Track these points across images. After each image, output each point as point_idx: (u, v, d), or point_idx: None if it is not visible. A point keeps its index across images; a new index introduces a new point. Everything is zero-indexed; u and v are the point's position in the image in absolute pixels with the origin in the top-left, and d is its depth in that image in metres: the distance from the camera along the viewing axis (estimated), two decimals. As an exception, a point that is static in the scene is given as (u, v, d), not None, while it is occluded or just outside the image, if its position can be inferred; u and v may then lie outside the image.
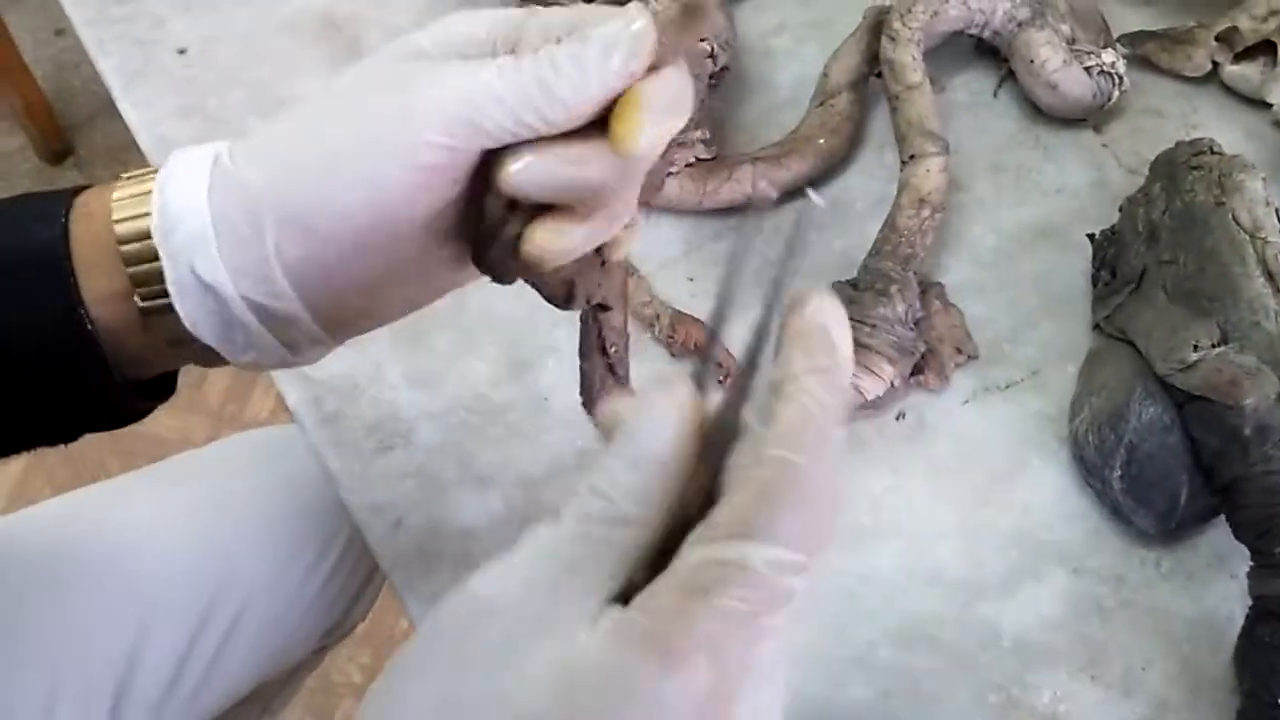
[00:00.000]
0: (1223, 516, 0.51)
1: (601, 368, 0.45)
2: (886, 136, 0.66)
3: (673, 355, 0.58)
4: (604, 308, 0.43)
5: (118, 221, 0.35)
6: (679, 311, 0.59)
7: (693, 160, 0.62)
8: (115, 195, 0.36)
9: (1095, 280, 0.59)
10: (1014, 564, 0.53)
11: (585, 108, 0.33)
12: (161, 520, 0.63)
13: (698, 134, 0.61)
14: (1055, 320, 0.59)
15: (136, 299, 0.35)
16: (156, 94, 0.67)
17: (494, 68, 0.33)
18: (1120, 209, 0.60)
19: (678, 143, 0.61)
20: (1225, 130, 0.66)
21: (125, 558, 0.61)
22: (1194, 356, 0.50)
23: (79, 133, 1.60)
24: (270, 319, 0.36)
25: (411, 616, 0.51)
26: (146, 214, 0.35)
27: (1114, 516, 0.53)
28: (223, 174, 0.35)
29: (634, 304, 0.59)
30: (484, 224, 0.37)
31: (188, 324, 0.35)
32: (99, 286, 0.35)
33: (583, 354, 0.45)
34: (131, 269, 0.35)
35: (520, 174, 0.34)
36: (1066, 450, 0.55)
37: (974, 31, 0.66)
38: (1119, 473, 0.52)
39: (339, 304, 0.36)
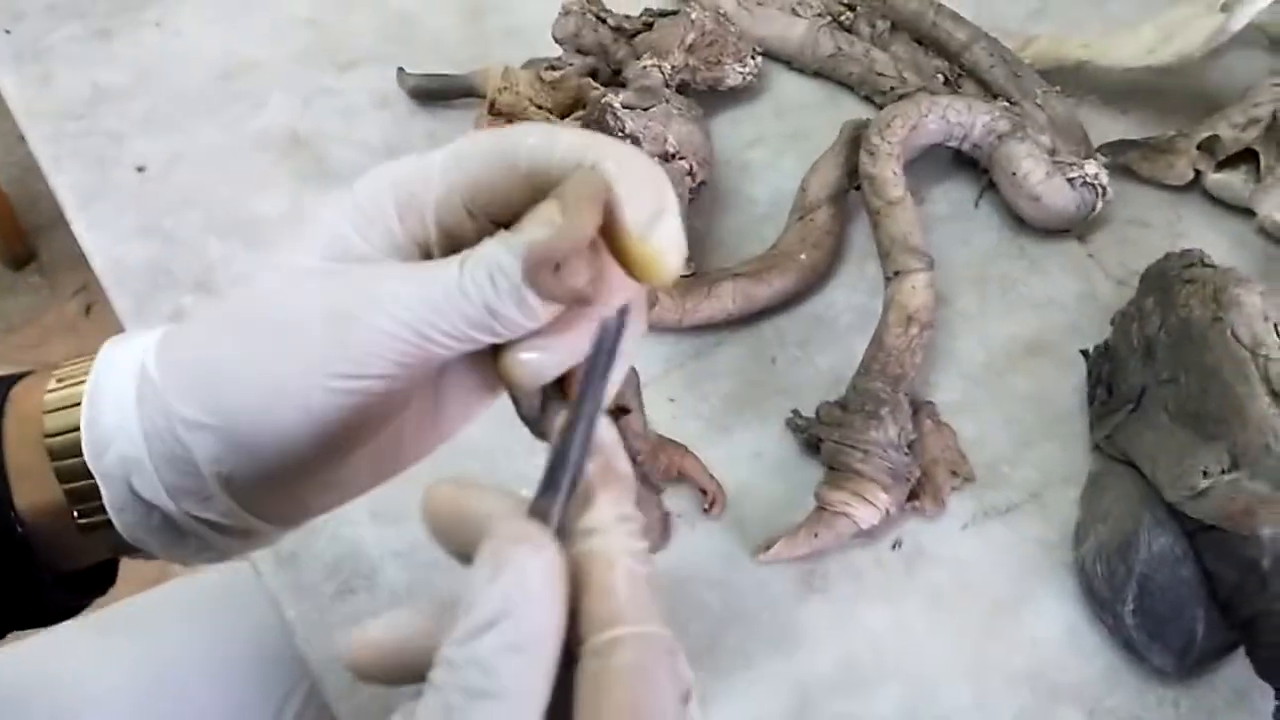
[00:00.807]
0: (1243, 650, 0.48)
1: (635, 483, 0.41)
2: (868, 249, 0.64)
3: (652, 485, 0.55)
4: (624, 410, 0.39)
5: (49, 436, 0.32)
6: (662, 436, 0.56)
7: (671, 277, 0.60)
8: (47, 398, 0.33)
9: (1092, 398, 0.57)
10: (1026, 706, 0.49)
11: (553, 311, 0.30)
12: (105, 675, 0.58)
13: (676, 250, 0.59)
14: (1052, 439, 0.57)
15: (74, 515, 0.33)
16: (113, 213, 0.65)
17: (439, 289, 0.29)
18: (1112, 323, 0.58)
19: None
20: (1212, 239, 0.65)
21: (73, 713, 0.56)
22: (1204, 484, 0.48)
23: (42, 236, 1.57)
24: (222, 530, 0.33)
25: (374, 782, 0.47)
26: (78, 428, 0.32)
27: (1127, 651, 0.50)
28: (152, 392, 0.31)
29: (613, 429, 0.56)
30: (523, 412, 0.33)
31: (130, 540, 0.33)
32: (33, 497, 0.33)
33: None
34: (66, 485, 0.32)
35: (529, 365, 0.30)
36: (1073, 579, 0.53)
37: (953, 144, 0.65)
38: (1131, 607, 0.49)
39: (300, 506, 0.34)
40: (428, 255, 0.31)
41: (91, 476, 0.32)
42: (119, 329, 0.61)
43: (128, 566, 0.42)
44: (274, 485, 0.32)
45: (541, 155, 0.29)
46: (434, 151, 0.31)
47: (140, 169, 0.67)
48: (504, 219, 0.31)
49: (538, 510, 0.27)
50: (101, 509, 0.32)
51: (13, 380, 0.34)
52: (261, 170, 0.67)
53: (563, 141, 0.29)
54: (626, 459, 0.30)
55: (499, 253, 0.29)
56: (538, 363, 0.30)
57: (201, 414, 0.31)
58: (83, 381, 0.32)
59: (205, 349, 0.31)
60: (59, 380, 0.33)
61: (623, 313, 0.30)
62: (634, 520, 0.28)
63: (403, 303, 0.29)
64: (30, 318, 1.52)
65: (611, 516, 0.27)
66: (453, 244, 0.31)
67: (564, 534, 0.27)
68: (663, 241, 0.29)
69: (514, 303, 0.29)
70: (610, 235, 0.29)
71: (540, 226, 0.29)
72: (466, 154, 0.30)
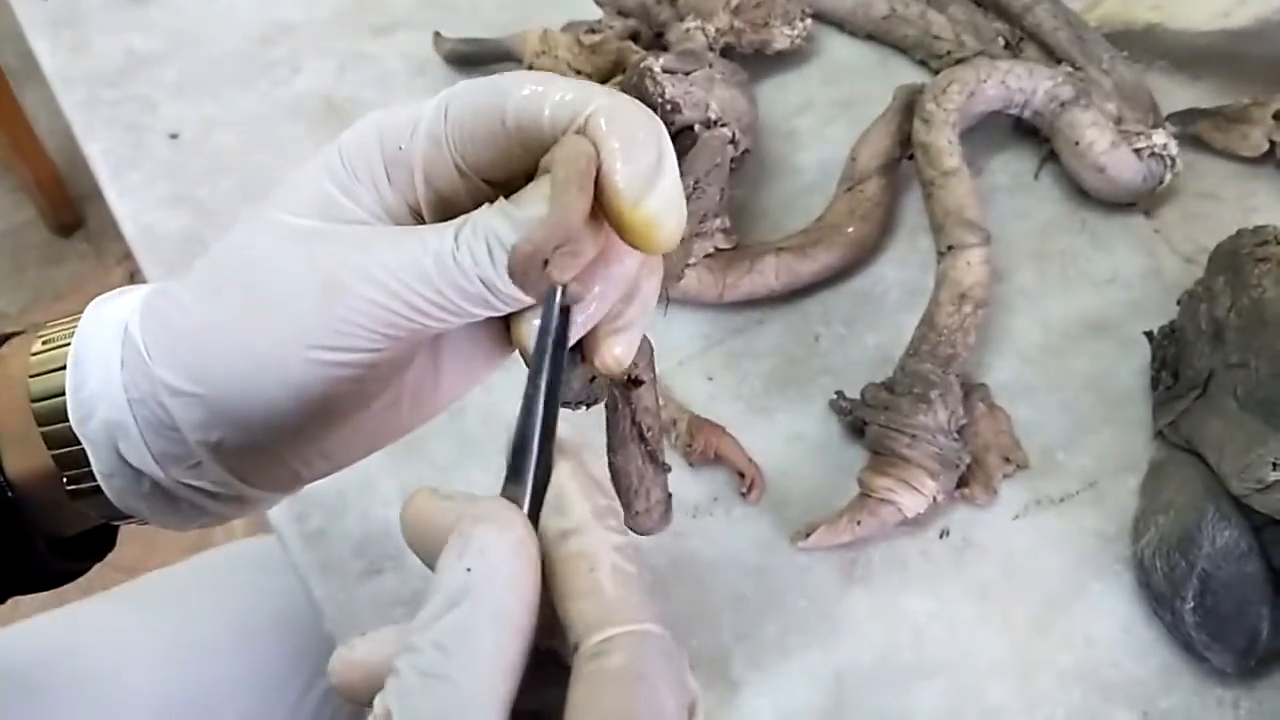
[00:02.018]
0: (1312, 655, 0.45)
1: (640, 458, 0.39)
2: (920, 222, 0.61)
3: (690, 464, 0.53)
4: (636, 382, 0.37)
5: (36, 400, 0.31)
6: (697, 416, 0.54)
7: (712, 250, 0.57)
8: (32, 360, 0.31)
9: (1155, 382, 0.54)
10: (1076, 705, 0.47)
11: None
12: (133, 646, 0.58)
13: (717, 223, 0.57)
14: (1112, 425, 0.54)
15: (63, 481, 0.31)
16: (145, 181, 0.64)
17: (431, 259, 0.27)
18: (1179, 303, 0.55)
19: (696, 233, 0.56)
20: (1287, 214, 0.61)
21: (96, 688, 0.56)
22: (1274, 476, 0.45)
23: (90, 203, 1.58)
24: (214, 496, 0.32)
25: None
26: (63, 392, 0.30)
27: (1186, 651, 0.48)
28: (135, 356, 0.30)
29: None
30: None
31: (121, 506, 0.32)
32: (23, 463, 0.32)
33: (613, 447, 0.39)
34: (55, 451, 0.31)
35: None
36: (1130, 573, 0.50)
37: (1013, 111, 0.62)
38: (1191, 604, 0.46)
39: (292, 473, 0.32)
40: (419, 217, 0.30)
41: (79, 443, 0.31)
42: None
43: (158, 537, 0.41)
44: (263, 453, 0.31)
45: (530, 114, 0.27)
46: (424, 102, 0.29)
47: (173, 136, 0.66)
48: (497, 178, 0.29)
49: (506, 497, 0.26)
50: (91, 475, 0.31)
51: (0, 340, 0.33)
52: (296, 138, 0.65)
53: (553, 96, 0.27)
54: (593, 456, 0.28)
55: (496, 224, 0.27)
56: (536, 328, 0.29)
57: (185, 382, 0.29)
58: (68, 344, 0.31)
59: (189, 314, 0.30)
60: (44, 342, 0.32)
61: (570, 287, 0.28)
62: (614, 515, 0.26)
63: (392, 272, 0.28)
64: (76, 285, 1.53)
65: (588, 513, 0.25)
66: (444, 205, 0.29)
67: (535, 522, 0.26)
68: (658, 207, 0.27)
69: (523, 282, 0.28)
70: (603, 201, 0.27)
71: (539, 202, 0.27)
72: (454, 108, 0.28)
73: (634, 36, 0.66)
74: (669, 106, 0.55)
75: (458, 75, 0.68)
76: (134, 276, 1.51)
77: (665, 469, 0.40)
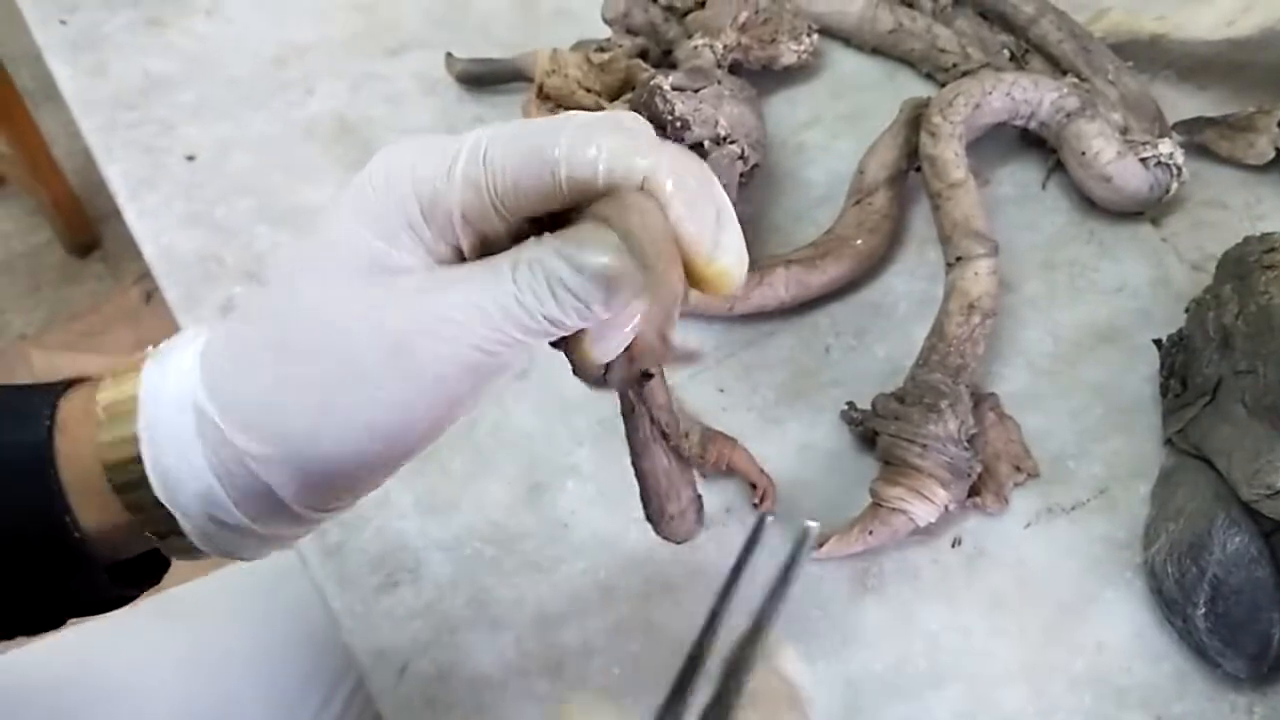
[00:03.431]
0: (1324, 660, 0.45)
1: (665, 456, 0.39)
2: (928, 233, 0.62)
3: (703, 476, 0.54)
4: (646, 375, 0.37)
5: (110, 467, 0.32)
6: (709, 428, 0.54)
7: (722, 264, 0.58)
8: (101, 438, 0.32)
9: (1164, 390, 0.54)
10: (1089, 711, 0.47)
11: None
12: (151, 662, 0.59)
13: (727, 236, 0.58)
14: (1123, 433, 0.54)
15: (148, 535, 0.33)
16: (163, 202, 0.65)
17: (493, 305, 0.29)
18: (1187, 311, 0.55)
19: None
20: (1294, 222, 0.61)
21: (118, 702, 0.57)
22: (1284, 481, 0.45)
23: (106, 224, 1.60)
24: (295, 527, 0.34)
25: (417, 777, 0.46)
26: (139, 463, 0.31)
27: (1198, 657, 0.48)
28: (214, 431, 0.31)
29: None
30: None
31: (215, 553, 0.33)
32: (97, 516, 0.33)
33: (637, 453, 0.39)
34: (137, 516, 0.32)
35: (599, 353, 0.31)
36: (1141, 580, 0.50)
37: (1019, 123, 0.62)
38: (1203, 610, 0.46)
39: (358, 497, 0.34)
40: (459, 254, 0.31)
41: (163, 506, 0.32)
42: (174, 317, 0.61)
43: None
44: (344, 490, 0.32)
45: (583, 168, 0.28)
46: (449, 142, 0.30)
47: (190, 158, 0.67)
48: (536, 215, 0.30)
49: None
50: (180, 531, 0.32)
51: (52, 393, 0.34)
52: (310, 158, 0.66)
53: (602, 149, 0.28)
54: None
55: (556, 266, 0.29)
56: (605, 349, 0.31)
57: (270, 449, 0.30)
58: (132, 408, 0.32)
59: (262, 383, 0.30)
60: (106, 409, 0.32)
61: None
62: None
63: (458, 324, 0.29)
64: (93, 305, 1.55)
65: None
66: (485, 242, 0.30)
67: None
68: (729, 260, 0.29)
69: (578, 315, 0.29)
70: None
71: (599, 248, 0.28)
72: (494, 157, 0.29)
73: (643, 54, 0.66)
74: (678, 124, 0.56)
75: (468, 95, 0.69)
76: (150, 296, 1.53)
77: (690, 465, 0.41)
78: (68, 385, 0.34)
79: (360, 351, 0.29)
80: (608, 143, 0.28)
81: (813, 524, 0.35)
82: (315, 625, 0.59)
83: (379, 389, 0.30)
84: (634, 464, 0.40)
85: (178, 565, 0.38)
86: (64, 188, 1.55)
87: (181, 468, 0.31)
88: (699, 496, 0.41)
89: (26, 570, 0.33)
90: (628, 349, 0.33)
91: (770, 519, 0.37)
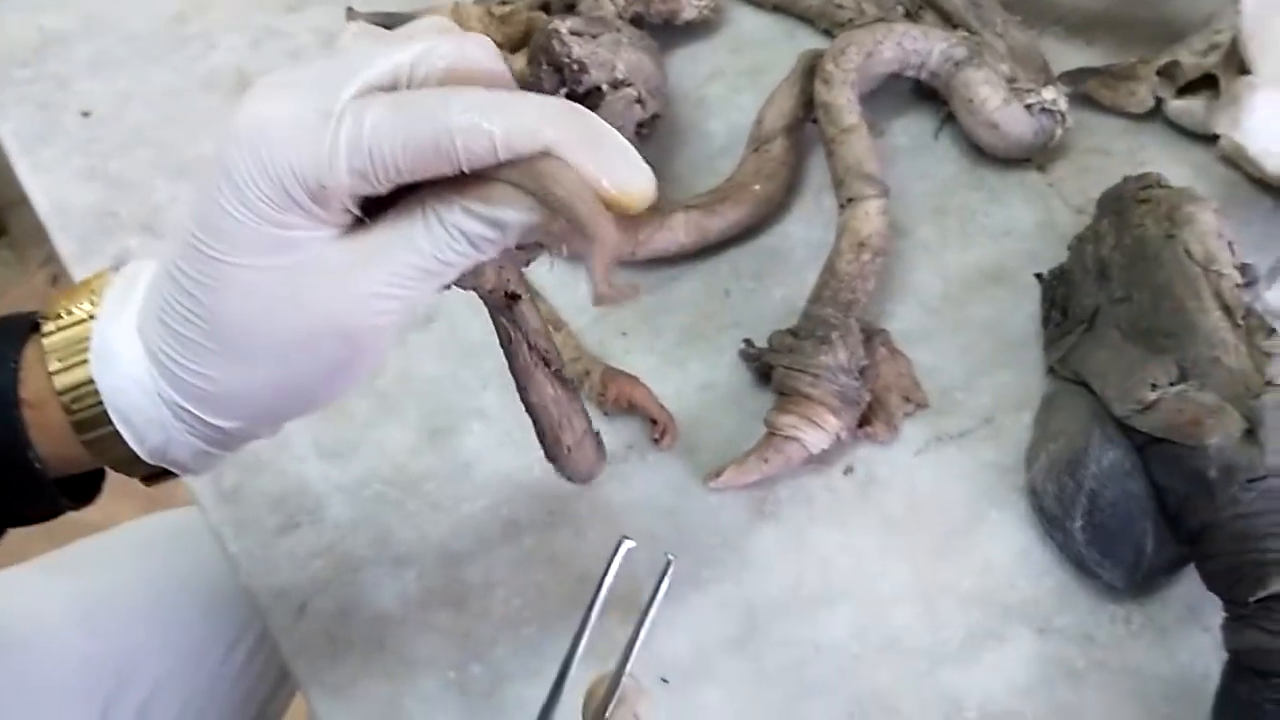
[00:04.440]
0: (1193, 566, 0.47)
1: (550, 384, 0.40)
2: (825, 183, 0.63)
3: (604, 414, 0.55)
4: (514, 296, 0.38)
5: (71, 410, 0.34)
6: (610, 367, 0.55)
7: (623, 209, 0.59)
8: (59, 384, 0.34)
9: (1046, 321, 0.56)
10: (976, 627, 0.49)
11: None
12: (56, 613, 0.58)
13: (627, 182, 0.59)
14: (1008, 366, 0.56)
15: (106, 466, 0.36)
16: (58, 157, 0.64)
17: (413, 267, 0.31)
18: (1069, 248, 0.57)
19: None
20: (1173, 166, 0.64)
21: (17, 651, 0.56)
22: (1152, 396, 0.47)
23: (12, 211, 1.57)
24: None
25: (315, 711, 0.46)
26: (102, 411, 0.34)
27: (1079, 571, 0.50)
28: (189, 416, 0.34)
29: (563, 359, 0.56)
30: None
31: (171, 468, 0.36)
32: (53, 450, 0.35)
33: (521, 384, 0.40)
34: (95, 450, 0.35)
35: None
36: (1025, 501, 0.52)
37: (911, 73, 0.64)
38: (1080, 523, 0.48)
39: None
40: (351, 214, 0.32)
41: (121, 440, 0.34)
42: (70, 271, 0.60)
43: (113, 511, 0.44)
44: (298, 411, 0.35)
45: (481, 151, 0.29)
46: (316, 122, 0.29)
47: (86, 114, 0.66)
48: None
49: None
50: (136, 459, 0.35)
51: (17, 333, 0.35)
52: (209, 111, 0.66)
53: (495, 129, 0.29)
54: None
55: (470, 226, 0.31)
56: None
57: (239, 422, 0.34)
58: (84, 360, 0.34)
59: (221, 380, 0.32)
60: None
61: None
62: None
63: (388, 296, 0.31)
64: (1, 289, 1.53)
65: None
66: (379, 202, 0.31)
67: None
68: (638, 178, 0.30)
69: (498, 252, 0.32)
70: None
71: (511, 204, 0.30)
72: (380, 149, 0.29)
73: (544, 8, 0.67)
74: (575, 66, 0.57)
75: (379, 33, 0.68)
76: (56, 279, 1.50)
77: (576, 393, 0.41)
78: (31, 326, 0.35)
79: (299, 340, 0.32)
80: (501, 122, 0.29)
81: (672, 556, 0.40)
82: (217, 577, 0.59)
83: (332, 367, 0.32)
84: (522, 398, 0.40)
85: (78, 521, 0.39)
86: (-32, 174, 1.51)
87: (154, 438, 0.34)
88: (596, 432, 0.42)
89: None
90: (497, 263, 0.35)
91: (630, 545, 0.41)
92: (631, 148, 0.31)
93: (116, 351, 0.33)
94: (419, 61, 0.30)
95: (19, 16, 0.70)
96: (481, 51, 0.31)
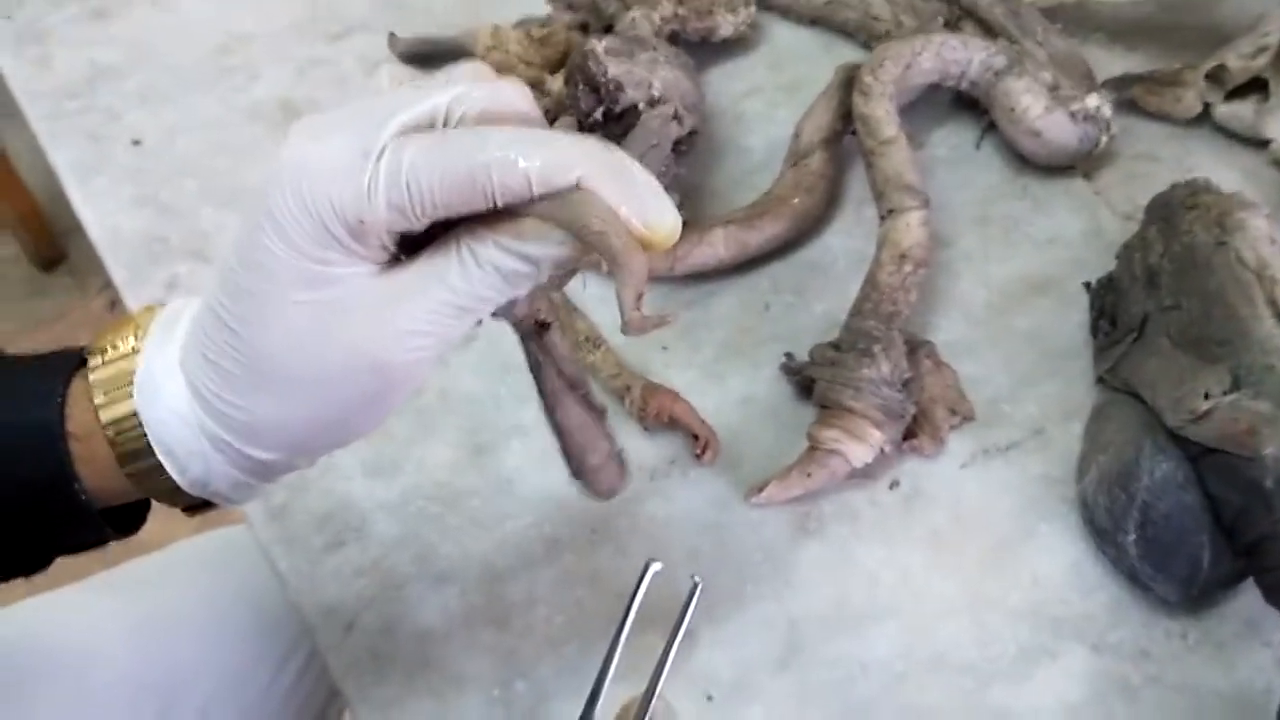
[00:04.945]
0: (1251, 579, 0.46)
1: (578, 406, 0.40)
2: (865, 195, 0.63)
3: (645, 429, 0.54)
4: (544, 325, 0.38)
5: (116, 443, 0.35)
6: (651, 383, 0.55)
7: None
8: (104, 417, 0.35)
9: (1095, 331, 0.55)
10: (1027, 643, 0.48)
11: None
12: (107, 632, 0.59)
13: (665, 199, 0.59)
14: (1056, 377, 0.55)
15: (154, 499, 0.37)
16: (109, 186, 0.65)
17: (446, 306, 0.32)
18: (1117, 256, 0.56)
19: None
20: (1222, 171, 0.63)
21: (71, 671, 0.57)
22: (1205, 406, 0.46)
23: (71, 239, 1.61)
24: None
25: (363, 729, 0.46)
26: (146, 444, 0.35)
27: (1133, 585, 0.49)
28: (230, 449, 0.34)
29: (604, 375, 0.56)
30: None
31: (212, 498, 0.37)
32: (97, 483, 0.36)
33: (550, 407, 0.40)
34: (138, 481, 0.35)
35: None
36: (1075, 514, 0.51)
37: (950, 83, 0.64)
38: (1134, 536, 0.47)
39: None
40: (389, 251, 0.32)
41: (165, 474, 0.35)
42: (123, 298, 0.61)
43: (167, 531, 0.45)
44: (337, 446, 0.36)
45: (516, 186, 0.30)
46: (357, 158, 0.30)
47: (136, 143, 0.67)
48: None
49: None
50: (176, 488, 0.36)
51: (65, 367, 0.36)
52: (255, 140, 0.67)
53: (533, 165, 0.30)
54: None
55: (504, 261, 0.31)
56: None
57: (277, 454, 0.34)
58: (130, 395, 0.35)
59: (258, 412, 0.33)
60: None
61: None
62: None
63: (424, 333, 0.32)
64: (59, 315, 1.57)
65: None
66: (415, 239, 0.32)
67: None
68: (666, 216, 0.31)
69: (531, 287, 0.33)
70: None
71: (545, 240, 0.31)
72: (420, 182, 0.30)
73: (582, 28, 0.68)
74: (611, 85, 0.57)
75: (412, 72, 0.69)
76: (115, 305, 1.53)
77: (603, 416, 0.41)
78: (79, 361, 0.36)
79: (335, 375, 0.32)
80: (535, 158, 0.30)
81: (699, 579, 0.41)
82: (267, 595, 0.60)
83: (367, 404, 0.33)
84: (549, 419, 0.41)
85: (130, 542, 0.40)
86: (29, 203, 1.56)
87: (200, 471, 0.35)
88: (620, 450, 0.42)
89: (35, 527, 0.36)
90: (529, 297, 0.36)
91: (656, 567, 0.41)
92: (660, 186, 0.32)
93: (160, 385, 0.34)
94: (456, 103, 0.31)
95: (70, 51, 0.72)
96: (516, 95, 0.32)
